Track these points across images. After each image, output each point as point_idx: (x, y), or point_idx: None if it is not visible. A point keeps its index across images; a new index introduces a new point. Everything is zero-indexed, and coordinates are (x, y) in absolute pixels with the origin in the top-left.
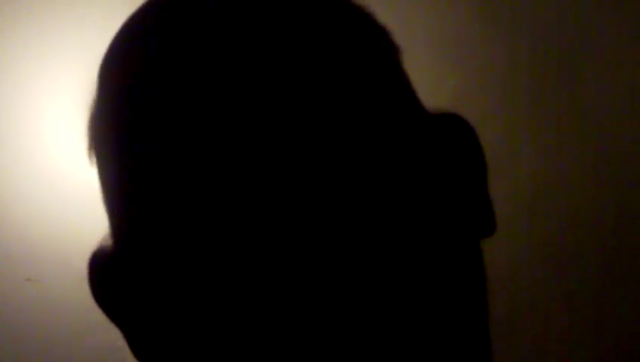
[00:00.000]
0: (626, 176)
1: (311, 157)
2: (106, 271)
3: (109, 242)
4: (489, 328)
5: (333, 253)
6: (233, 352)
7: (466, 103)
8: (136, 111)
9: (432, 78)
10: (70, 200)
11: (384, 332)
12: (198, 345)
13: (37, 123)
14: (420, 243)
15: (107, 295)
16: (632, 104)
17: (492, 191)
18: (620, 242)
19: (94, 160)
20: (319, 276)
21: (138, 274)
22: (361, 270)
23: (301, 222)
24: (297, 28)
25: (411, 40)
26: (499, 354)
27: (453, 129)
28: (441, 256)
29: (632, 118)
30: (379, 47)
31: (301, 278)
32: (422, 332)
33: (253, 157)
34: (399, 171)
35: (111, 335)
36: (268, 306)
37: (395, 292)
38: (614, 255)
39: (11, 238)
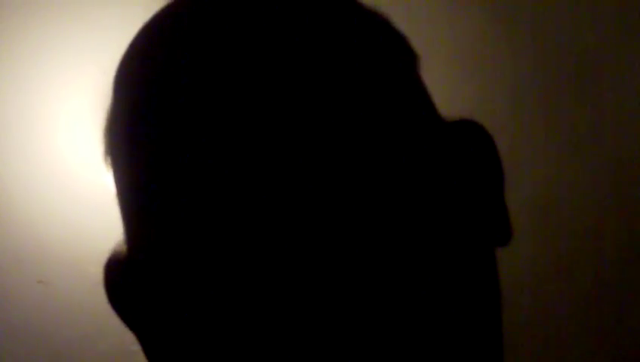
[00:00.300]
0: (631, 188)
1: (329, 164)
2: (121, 276)
3: (123, 247)
4: (502, 337)
5: (349, 258)
6: (246, 356)
7: (480, 111)
8: (152, 117)
9: (447, 86)
10: (82, 202)
11: (398, 338)
12: (211, 350)
13: (50, 125)
14: (436, 250)
15: (122, 299)
16: (639, 116)
17: (506, 198)
18: (625, 255)
19: (110, 165)
20: (336, 285)
21: (153, 278)
22: (375, 276)
23: (318, 232)
24: (315, 35)
25: (426, 48)
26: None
27: (470, 136)
28: (458, 263)
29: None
30: (396, 54)
31: (318, 287)
32: (435, 339)
33: (273, 166)
34: (416, 178)
35: (122, 339)
36: (282, 310)
37: (409, 298)
38: (629, 262)
39: (23, 240)
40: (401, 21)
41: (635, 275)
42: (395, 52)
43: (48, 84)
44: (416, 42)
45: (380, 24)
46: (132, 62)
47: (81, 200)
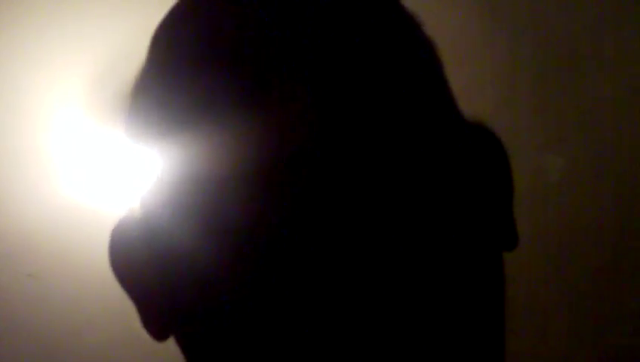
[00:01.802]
0: (627, 174)
1: (341, 161)
2: (126, 242)
3: (134, 213)
4: (504, 340)
5: (357, 258)
6: (243, 329)
7: (467, 102)
8: (182, 82)
9: None
10: (73, 196)
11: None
12: (210, 320)
13: (39, 121)
14: (442, 252)
15: (124, 265)
16: (634, 102)
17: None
18: (622, 240)
19: (131, 126)
20: (342, 281)
21: (157, 247)
22: (382, 275)
23: (329, 225)
24: (346, 30)
25: None
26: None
27: (484, 143)
28: (464, 265)
29: (635, 117)
30: (423, 58)
31: (323, 282)
32: (438, 339)
33: (284, 154)
34: (428, 179)
35: (111, 333)
36: (280, 279)
37: (415, 298)
38: (616, 253)
39: (13, 235)
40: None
41: (630, 266)
42: (422, 55)
43: (36, 79)
44: None
45: (412, 25)
46: (171, 26)
47: (71, 194)
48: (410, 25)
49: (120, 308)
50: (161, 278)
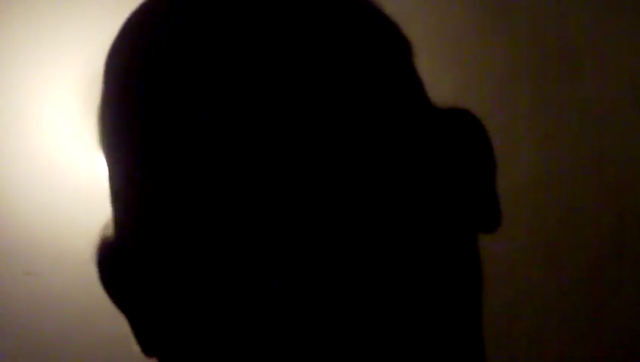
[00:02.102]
0: (625, 172)
1: (317, 151)
2: (112, 258)
3: (111, 229)
4: (482, 321)
5: (335, 242)
6: (235, 341)
7: (465, 99)
8: (142, 105)
9: (435, 72)
10: (70, 194)
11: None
12: (201, 331)
13: (36, 117)
14: (422, 235)
15: (114, 281)
16: (632, 99)
17: (497, 185)
18: (620, 238)
19: (103, 152)
20: (317, 259)
21: (143, 261)
22: (360, 261)
23: (305, 208)
24: (304, 22)
25: (415, 34)
26: (497, 351)
27: (463, 124)
28: (442, 248)
29: (633, 114)
30: (389, 43)
31: (302, 256)
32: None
33: (255, 149)
34: (405, 164)
35: (110, 330)
36: (268, 295)
37: (394, 283)
38: (613, 251)
39: (11, 232)
40: (391, 6)
41: (626, 258)
42: (387, 40)
43: (34, 74)
44: (405, 28)
45: (372, 13)
46: (121, 50)
47: (69, 191)
48: (367, 10)
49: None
50: (152, 289)
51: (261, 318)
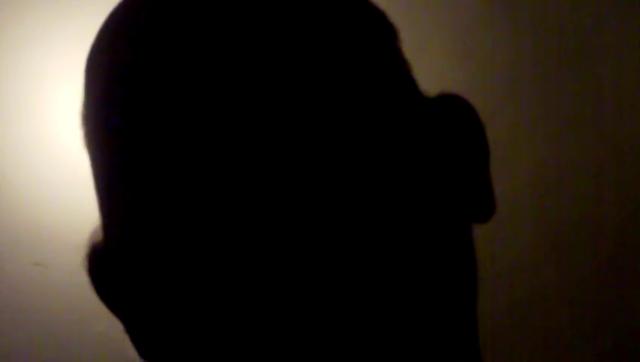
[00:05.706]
0: (630, 171)
1: (306, 135)
2: (104, 264)
3: (100, 235)
4: (476, 314)
5: (327, 236)
6: (231, 342)
7: (472, 96)
8: (125, 106)
9: (445, 67)
10: (79, 185)
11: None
12: (197, 333)
13: (45, 109)
14: (415, 225)
15: (107, 287)
16: (636, 99)
17: (496, 183)
18: (623, 238)
19: (88, 153)
20: (312, 253)
21: (134, 265)
22: (357, 257)
23: (291, 200)
24: (291, 13)
25: (419, 33)
26: (498, 349)
27: (453, 110)
28: (435, 238)
29: (637, 113)
30: (373, 29)
31: (294, 248)
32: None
33: (242, 144)
34: (395, 153)
35: (118, 322)
36: (263, 294)
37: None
38: (617, 250)
39: (19, 223)
40: (399, 4)
41: (634, 255)
42: (372, 27)
43: (41, 68)
44: (414, 24)
45: (356, 1)
46: (102, 51)
47: (79, 182)
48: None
49: None
50: (146, 292)
51: (257, 320)
